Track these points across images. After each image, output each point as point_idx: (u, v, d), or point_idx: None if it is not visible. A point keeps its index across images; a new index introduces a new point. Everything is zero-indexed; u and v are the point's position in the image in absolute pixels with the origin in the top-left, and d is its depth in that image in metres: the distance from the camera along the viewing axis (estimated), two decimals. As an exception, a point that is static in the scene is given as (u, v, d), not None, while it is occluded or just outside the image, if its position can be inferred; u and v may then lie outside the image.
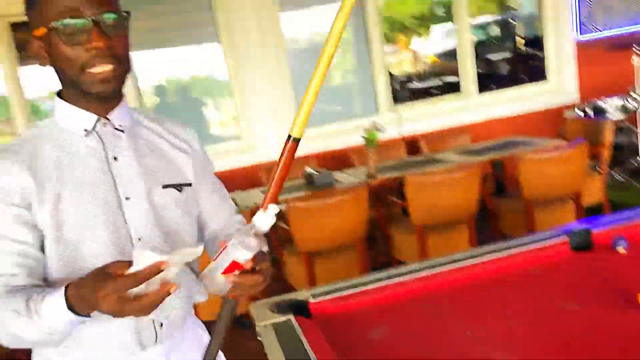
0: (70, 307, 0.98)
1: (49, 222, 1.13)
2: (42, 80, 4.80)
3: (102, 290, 0.90)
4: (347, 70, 5.23)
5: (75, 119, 1.19)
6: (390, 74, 5.72)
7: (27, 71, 4.37)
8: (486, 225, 3.74)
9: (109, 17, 1.10)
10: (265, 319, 1.57)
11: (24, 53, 4.31)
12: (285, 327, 1.51)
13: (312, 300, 1.67)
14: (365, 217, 3.12)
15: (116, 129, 1.23)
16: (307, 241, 3.06)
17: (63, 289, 0.99)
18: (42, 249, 1.14)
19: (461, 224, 3.34)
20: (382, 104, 5.01)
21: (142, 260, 0.91)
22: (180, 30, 4.68)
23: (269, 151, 4.66)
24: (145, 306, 0.92)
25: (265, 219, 1.04)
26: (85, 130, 1.19)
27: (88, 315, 0.99)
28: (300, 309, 1.63)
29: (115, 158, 1.21)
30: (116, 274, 0.91)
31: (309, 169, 3.79)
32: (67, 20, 1.08)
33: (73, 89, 1.16)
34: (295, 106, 4.78)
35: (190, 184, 1.31)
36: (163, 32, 4.63)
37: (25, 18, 1.15)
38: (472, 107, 5.15)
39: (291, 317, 1.56)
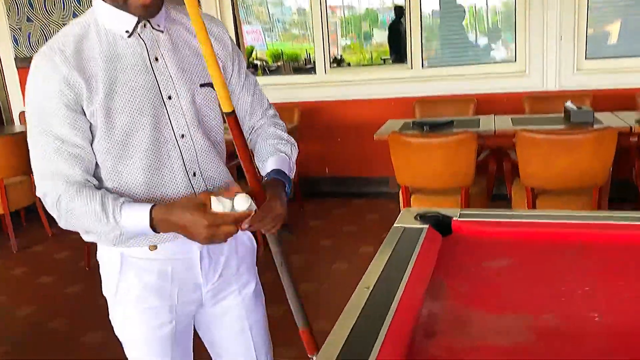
0: (152, 225, 1.17)
1: (100, 114, 1.20)
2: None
3: (199, 222, 1.13)
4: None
5: (116, 20, 1.23)
6: None
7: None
8: None
9: None
10: (402, 222, 1.62)
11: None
12: (412, 232, 1.53)
13: (455, 218, 1.64)
14: (608, 163, 2.75)
15: (155, 29, 1.26)
16: (533, 176, 2.86)
17: (149, 209, 1.17)
18: (92, 149, 1.24)
19: None
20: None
21: (221, 205, 1.15)
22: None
23: (541, 81, 4.31)
24: (228, 235, 1.16)
25: (241, 202, 1.19)
26: (127, 31, 1.23)
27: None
28: (445, 225, 1.63)
29: (156, 59, 1.26)
30: (206, 205, 1.14)
31: (568, 104, 3.44)
32: None
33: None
34: (581, 41, 4.27)
35: None
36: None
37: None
38: None
39: (426, 227, 1.58)
